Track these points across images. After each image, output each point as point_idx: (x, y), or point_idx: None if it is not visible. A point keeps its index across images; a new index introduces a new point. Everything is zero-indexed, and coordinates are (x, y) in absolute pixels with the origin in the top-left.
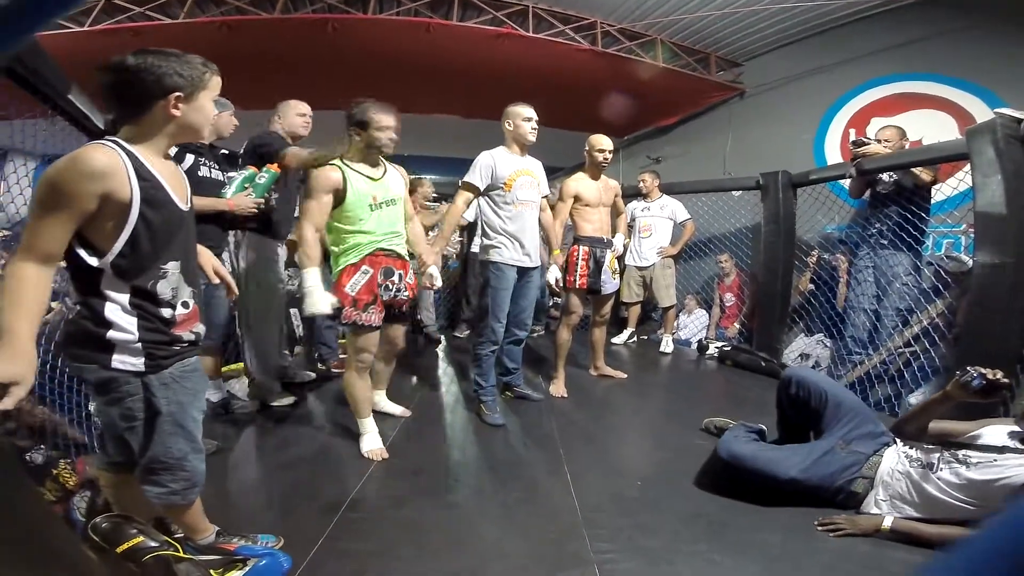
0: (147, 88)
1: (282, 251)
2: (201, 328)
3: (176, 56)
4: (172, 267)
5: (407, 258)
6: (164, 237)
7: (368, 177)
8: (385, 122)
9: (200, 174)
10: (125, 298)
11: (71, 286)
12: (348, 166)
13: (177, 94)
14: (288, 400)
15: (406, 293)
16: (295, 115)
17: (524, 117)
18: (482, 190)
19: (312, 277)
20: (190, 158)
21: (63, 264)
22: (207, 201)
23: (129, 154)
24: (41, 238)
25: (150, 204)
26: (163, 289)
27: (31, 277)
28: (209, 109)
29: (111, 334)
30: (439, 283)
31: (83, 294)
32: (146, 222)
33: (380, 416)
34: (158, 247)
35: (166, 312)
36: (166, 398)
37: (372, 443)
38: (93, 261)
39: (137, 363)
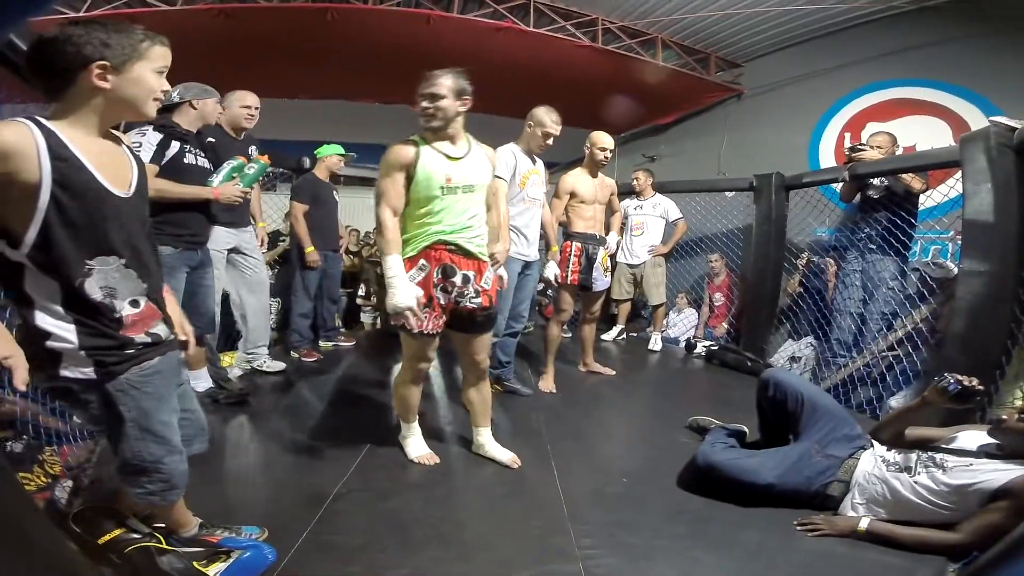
0: (67, 58)
1: (235, 236)
2: (163, 328)
3: (106, 25)
4: (103, 262)
5: (483, 258)
6: (89, 227)
7: (445, 155)
8: (419, 90)
9: (186, 161)
10: (56, 302)
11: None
12: (424, 140)
13: (102, 63)
14: (279, 366)
15: (477, 299)
16: (239, 107)
17: (544, 133)
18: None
19: (394, 266)
20: (176, 145)
21: None
22: (192, 189)
23: (46, 131)
24: None
25: (65, 188)
26: (91, 288)
27: None
28: (150, 82)
29: (50, 344)
30: (507, 282)
31: (14, 302)
32: (60, 208)
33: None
34: (81, 239)
35: (108, 313)
36: (126, 405)
37: (419, 448)
38: (11, 253)
39: (87, 372)
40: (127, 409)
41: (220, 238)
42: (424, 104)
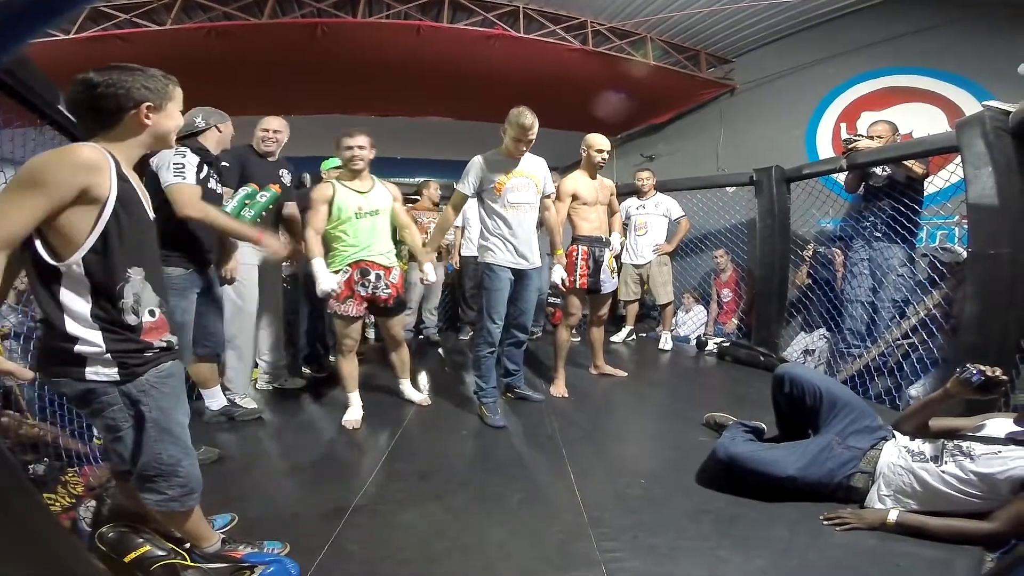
0: (119, 100)
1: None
2: (172, 337)
3: (140, 70)
4: (136, 273)
5: (389, 264)
6: (132, 241)
7: (355, 191)
8: (345, 143)
9: (209, 187)
10: (86, 310)
11: (35, 303)
12: (339, 182)
13: (147, 104)
14: (299, 383)
15: (388, 291)
16: (259, 131)
17: (513, 137)
18: (471, 195)
19: (318, 265)
20: (205, 169)
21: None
22: (242, 227)
23: (111, 155)
24: (6, 220)
25: (124, 205)
26: (126, 294)
27: None
28: (178, 118)
29: (79, 348)
30: (431, 278)
31: (44, 310)
32: (118, 221)
33: (397, 404)
34: (127, 249)
35: (130, 319)
36: (147, 405)
37: (352, 415)
38: (53, 261)
39: (111, 373)
40: (148, 409)
41: (246, 252)
42: (355, 154)
